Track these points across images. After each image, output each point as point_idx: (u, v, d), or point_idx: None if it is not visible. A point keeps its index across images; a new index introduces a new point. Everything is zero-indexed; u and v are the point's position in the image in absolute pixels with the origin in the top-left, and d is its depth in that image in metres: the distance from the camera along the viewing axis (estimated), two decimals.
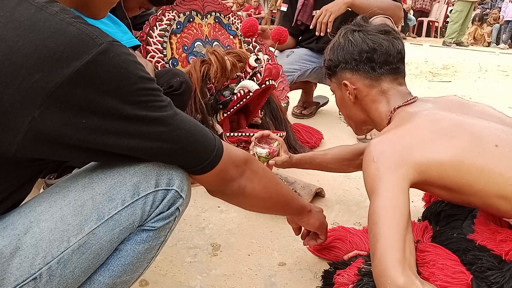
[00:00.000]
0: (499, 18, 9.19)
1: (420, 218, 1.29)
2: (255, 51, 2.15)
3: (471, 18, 9.21)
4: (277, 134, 1.81)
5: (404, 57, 1.14)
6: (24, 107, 0.52)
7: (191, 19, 1.99)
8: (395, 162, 0.90)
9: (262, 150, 1.34)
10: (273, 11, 10.33)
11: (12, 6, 0.54)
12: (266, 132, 1.40)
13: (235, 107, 1.80)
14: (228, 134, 1.82)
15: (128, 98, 0.58)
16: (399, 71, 1.13)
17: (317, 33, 2.18)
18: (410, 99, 1.09)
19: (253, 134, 1.81)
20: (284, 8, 2.57)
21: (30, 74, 0.52)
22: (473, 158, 0.89)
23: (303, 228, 1.13)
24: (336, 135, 2.41)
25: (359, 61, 1.11)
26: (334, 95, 1.26)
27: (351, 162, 1.43)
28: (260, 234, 1.36)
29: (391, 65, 1.10)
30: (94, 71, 0.55)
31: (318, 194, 1.61)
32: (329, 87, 2.69)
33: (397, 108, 1.08)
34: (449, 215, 1.13)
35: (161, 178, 0.68)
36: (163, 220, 0.69)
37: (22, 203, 0.67)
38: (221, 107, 1.82)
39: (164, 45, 1.88)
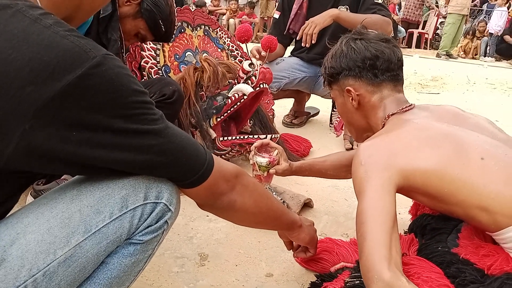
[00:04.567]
0: (485, 31, 9.35)
1: (406, 230, 1.31)
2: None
3: (464, 31, 9.38)
4: (272, 136, 1.84)
5: (403, 65, 1.17)
6: (15, 119, 0.52)
7: (182, 30, 2.03)
8: (382, 165, 0.94)
9: (263, 160, 1.34)
10: (265, 18, 10.40)
11: (7, 17, 0.54)
12: (266, 140, 1.41)
13: (229, 111, 1.82)
14: (221, 138, 1.83)
15: (120, 111, 0.59)
16: (399, 78, 1.16)
17: (303, 44, 2.20)
18: (406, 107, 1.11)
19: (247, 137, 1.84)
20: (276, 15, 2.60)
21: (22, 86, 0.52)
22: (457, 169, 0.92)
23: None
24: (325, 145, 2.43)
25: (362, 68, 1.13)
26: (335, 101, 1.27)
27: (350, 168, 1.43)
28: (248, 245, 1.36)
29: (392, 72, 1.14)
30: (87, 85, 0.55)
31: (307, 205, 1.62)
32: (321, 97, 2.72)
33: (391, 115, 1.11)
34: (434, 229, 1.15)
35: (150, 191, 0.68)
36: (151, 233, 0.70)
37: (9, 214, 0.66)
38: (214, 111, 1.83)
39: (157, 52, 1.90)
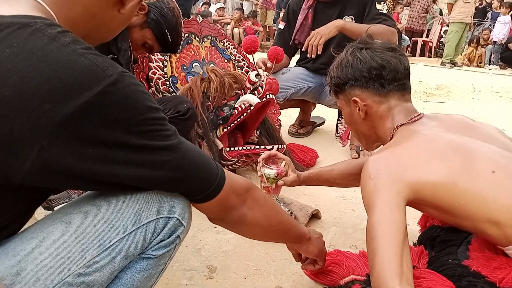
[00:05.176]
0: (489, 38, 9.36)
1: (415, 242, 1.30)
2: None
3: (468, 40, 9.40)
4: (278, 147, 1.84)
5: (410, 74, 1.16)
6: (33, 136, 0.53)
7: (189, 41, 2.05)
8: (390, 179, 0.93)
9: (271, 171, 1.33)
10: (266, 29, 10.59)
11: (26, 36, 0.54)
12: (273, 152, 1.40)
13: (236, 122, 1.82)
14: (228, 149, 1.84)
15: (135, 127, 0.59)
16: (406, 87, 1.15)
17: (308, 55, 2.22)
18: (415, 117, 1.10)
19: (253, 147, 1.84)
20: (281, 26, 2.61)
21: (40, 104, 0.52)
22: (467, 182, 0.91)
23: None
24: (332, 154, 2.43)
25: (369, 78, 1.12)
26: (342, 111, 1.26)
27: (358, 176, 1.42)
28: (256, 257, 1.35)
29: (399, 81, 1.12)
30: (104, 102, 0.56)
31: (315, 216, 1.62)
32: (327, 107, 2.72)
33: (400, 125, 1.10)
34: (444, 241, 1.15)
35: (163, 205, 0.68)
36: (163, 248, 0.70)
37: (23, 228, 0.67)
38: (221, 122, 1.84)
39: (165, 63, 1.92)
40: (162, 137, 0.62)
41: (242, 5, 10.86)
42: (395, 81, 1.12)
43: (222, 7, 10.60)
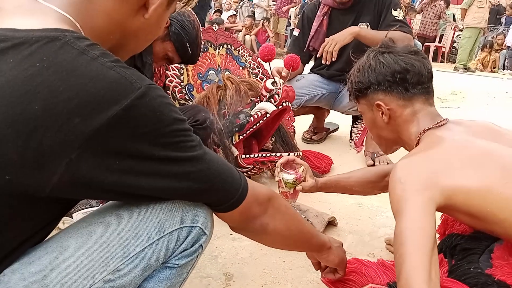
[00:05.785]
0: (503, 43, 9.24)
1: None
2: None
3: (481, 45, 9.29)
4: (294, 154, 1.84)
5: (433, 77, 1.15)
6: (62, 150, 0.53)
7: (205, 49, 2.08)
8: (421, 184, 0.91)
9: (289, 176, 1.32)
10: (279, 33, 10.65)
11: (55, 49, 0.54)
12: (291, 157, 1.39)
13: (251, 129, 1.83)
14: (243, 156, 1.84)
15: (162, 139, 0.59)
16: (430, 90, 1.14)
17: (323, 62, 2.21)
18: (440, 122, 1.09)
19: (269, 155, 1.84)
20: (296, 32, 2.61)
21: (70, 118, 0.53)
22: (500, 188, 0.90)
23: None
24: (346, 161, 2.41)
25: (393, 82, 1.11)
26: (363, 116, 1.26)
27: (376, 184, 1.41)
28: (273, 264, 1.35)
29: (423, 84, 1.11)
30: (132, 115, 0.56)
31: (331, 223, 1.60)
32: (341, 113, 2.70)
33: (426, 130, 1.08)
34: (465, 249, 1.12)
35: (186, 215, 0.69)
36: (186, 257, 0.70)
37: (48, 237, 0.68)
38: (237, 129, 1.85)
39: (181, 71, 1.94)
40: (187, 148, 0.62)
41: (253, 12, 10.92)
42: (419, 84, 1.11)
43: (234, 14, 10.67)
